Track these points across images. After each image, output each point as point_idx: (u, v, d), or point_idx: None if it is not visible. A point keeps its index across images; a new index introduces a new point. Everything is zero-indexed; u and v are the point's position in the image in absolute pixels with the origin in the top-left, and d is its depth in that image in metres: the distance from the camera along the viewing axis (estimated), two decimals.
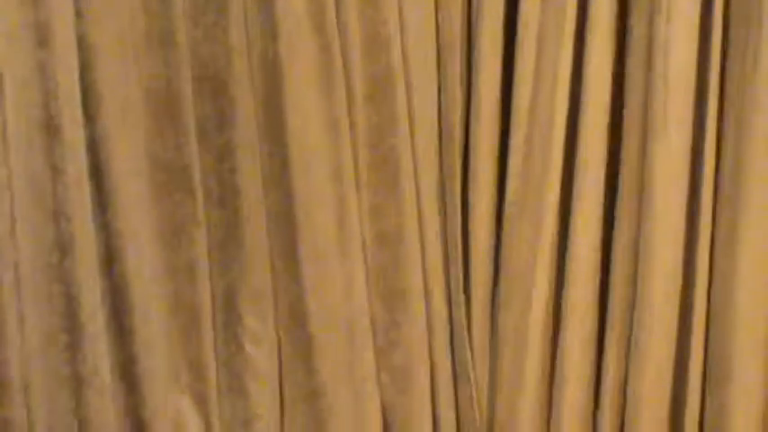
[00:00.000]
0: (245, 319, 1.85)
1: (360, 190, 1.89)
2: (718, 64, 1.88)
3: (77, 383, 1.72)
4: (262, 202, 1.83)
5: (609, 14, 1.91)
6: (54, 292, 1.69)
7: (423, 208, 1.94)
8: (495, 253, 2.02)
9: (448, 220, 1.99)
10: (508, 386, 2.01)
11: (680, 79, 1.88)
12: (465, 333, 2.01)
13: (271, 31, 1.79)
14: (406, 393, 1.97)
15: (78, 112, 1.67)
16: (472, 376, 2.02)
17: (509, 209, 1.98)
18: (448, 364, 2.01)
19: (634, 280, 1.94)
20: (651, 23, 1.88)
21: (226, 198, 1.81)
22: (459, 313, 2.00)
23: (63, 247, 1.68)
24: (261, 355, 1.86)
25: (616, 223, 1.97)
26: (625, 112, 1.94)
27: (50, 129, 1.65)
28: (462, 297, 2.00)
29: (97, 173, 1.71)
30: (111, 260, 1.74)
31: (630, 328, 1.96)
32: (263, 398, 1.88)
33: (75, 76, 1.66)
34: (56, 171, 1.66)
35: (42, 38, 1.63)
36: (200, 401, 1.85)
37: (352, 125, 1.86)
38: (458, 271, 1.99)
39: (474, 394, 2.02)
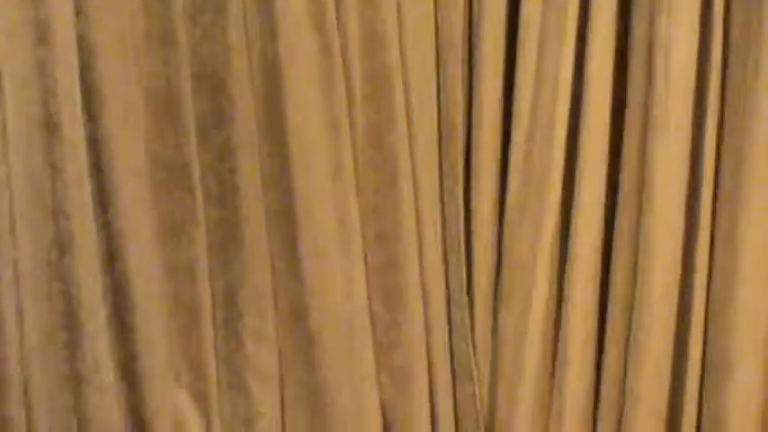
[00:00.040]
0: (246, 317, 1.85)
1: (359, 188, 1.89)
2: (719, 64, 1.88)
3: (77, 382, 1.72)
4: (261, 201, 1.83)
5: (610, 14, 1.91)
6: (53, 290, 1.70)
7: (421, 207, 1.94)
8: (497, 253, 2.02)
9: (450, 220, 1.99)
10: (508, 385, 2.01)
11: (681, 79, 1.88)
12: (468, 333, 2.00)
13: (270, 31, 1.79)
14: (405, 393, 1.97)
15: (78, 110, 1.67)
16: (475, 374, 2.01)
17: (510, 210, 1.98)
18: (447, 363, 2.01)
19: (634, 279, 1.94)
20: (652, 23, 1.88)
21: (225, 197, 1.81)
22: (463, 314, 2.00)
23: (62, 246, 1.69)
24: (261, 352, 1.86)
25: (616, 222, 1.97)
26: (626, 111, 1.94)
27: (50, 126, 1.65)
28: (465, 298, 2.00)
29: (99, 172, 1.71)
30: (112, 258, 1.74)
31: (630, 328, 1.96)
32: (264, 396, 1.88)
33: (75, 74, 1.66)
34: (55, 169, 1.67)
35: (42, 35, 1.63)
36: (201, 399, 1.85)
37: (352, 124, 1.86)
38: (461, 272, 1.99)
39: (477, 392, 2.02)
